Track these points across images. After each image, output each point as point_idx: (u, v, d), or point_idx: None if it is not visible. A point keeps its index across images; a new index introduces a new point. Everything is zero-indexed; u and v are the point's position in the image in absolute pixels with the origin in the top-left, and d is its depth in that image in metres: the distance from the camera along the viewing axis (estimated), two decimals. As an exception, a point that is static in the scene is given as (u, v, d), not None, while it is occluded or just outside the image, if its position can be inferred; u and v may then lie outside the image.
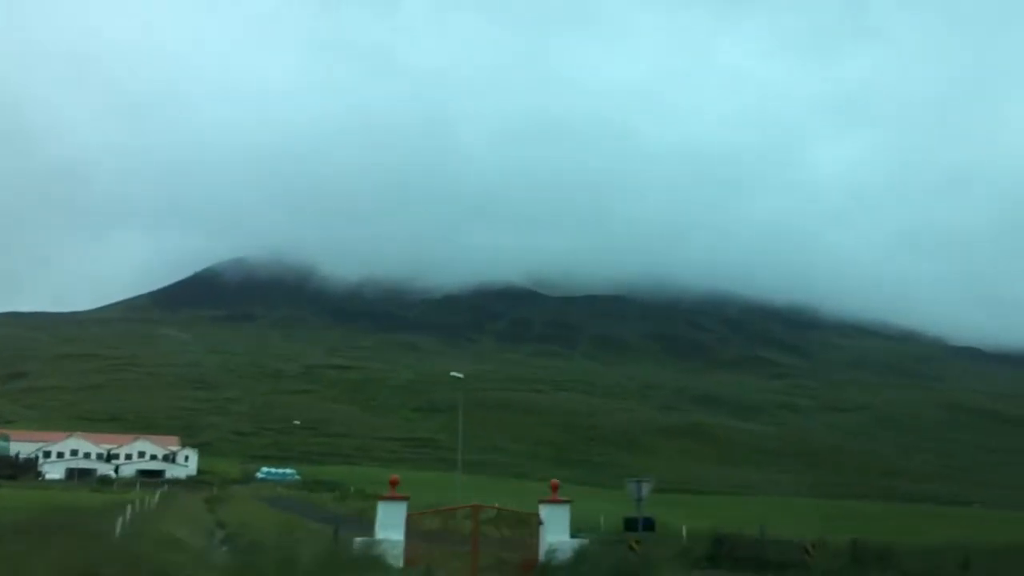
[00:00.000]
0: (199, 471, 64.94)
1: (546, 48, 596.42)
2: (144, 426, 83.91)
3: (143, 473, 61.71)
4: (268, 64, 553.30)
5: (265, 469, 66.41)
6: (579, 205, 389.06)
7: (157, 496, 34.01)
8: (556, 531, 14.87)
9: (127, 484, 51.14)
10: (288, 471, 65.71)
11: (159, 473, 62.05)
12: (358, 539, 14.12)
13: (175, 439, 65.61)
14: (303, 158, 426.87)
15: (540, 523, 14.79)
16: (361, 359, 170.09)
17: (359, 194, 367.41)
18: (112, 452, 65.64)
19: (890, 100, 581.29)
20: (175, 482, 54.83)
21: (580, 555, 14.49)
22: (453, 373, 58.07)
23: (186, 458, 63.23)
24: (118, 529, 14.56)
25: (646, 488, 17.75)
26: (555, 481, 16.00)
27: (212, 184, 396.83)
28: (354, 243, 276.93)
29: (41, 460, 63.72)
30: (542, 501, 15.21)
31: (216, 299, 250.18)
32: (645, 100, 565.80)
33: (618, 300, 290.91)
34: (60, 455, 64.88)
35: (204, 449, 78.55)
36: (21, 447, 65.11)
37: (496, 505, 17.43)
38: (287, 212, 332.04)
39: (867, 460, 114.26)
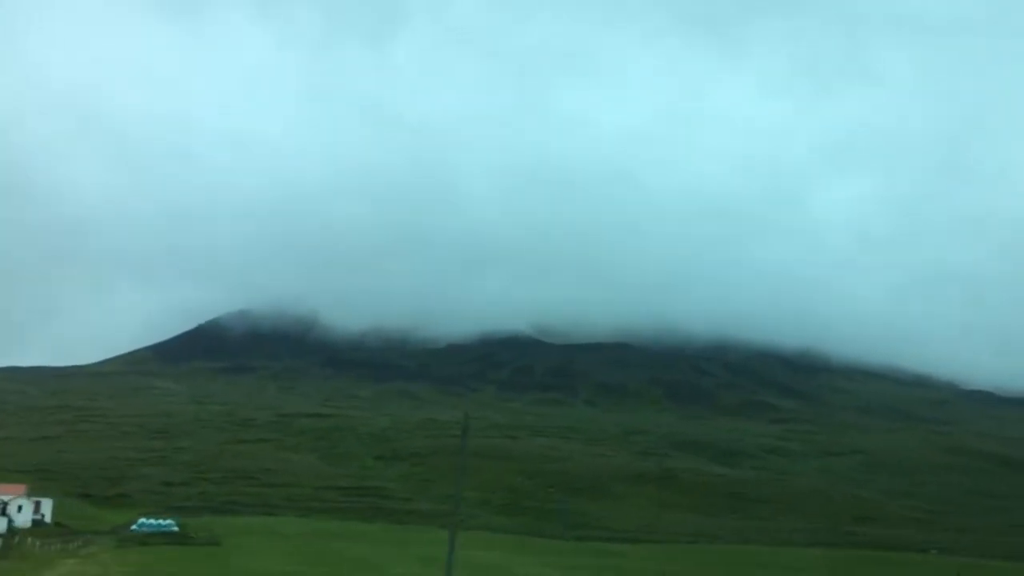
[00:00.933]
0: (57, 523, 61.91)
1: (543, 95, 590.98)
2: (65, 477, 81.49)
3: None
4: (264, 116, 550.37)
5: (142, 520, 63.37)
6: (583, 253, 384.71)
7: None
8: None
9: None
10: (167, 522, 62.56)
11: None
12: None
13: (22, 487, 62.63)
14: (304, 209, 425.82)
15: None
16: (346, 408, 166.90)
17: (362, 245, 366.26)
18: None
19: (892, 142, 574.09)
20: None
21: None
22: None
23: (19, 508, 60.06)
24: None
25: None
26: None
27: (216, 237, 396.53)
28: (357, 294, 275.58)
29: None
30: None
31: (218, 351, 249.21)
32: (645, 146, 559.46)
33: (623, 347, 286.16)
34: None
35: (116, 500, 75.80)
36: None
37: None
38: (291, 264, 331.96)
39: (846, 505, 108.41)
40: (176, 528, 60.88)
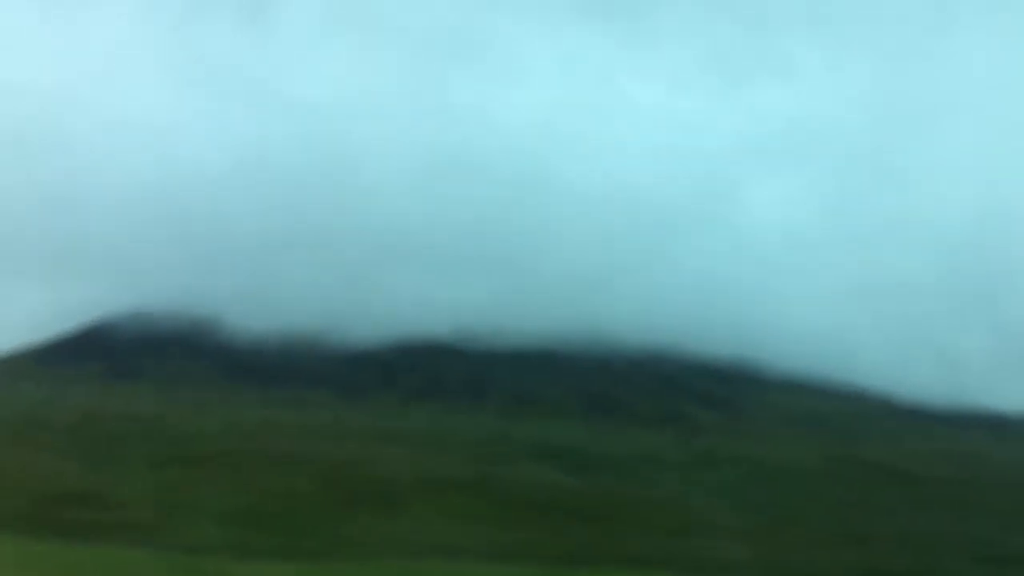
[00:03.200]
0: None
1: (438, 81, 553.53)
2: None
3: None
4: (138, 96, 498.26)
5: None
6: (503, 251, 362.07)
7: None
8: None
9: None
10: None
11: None
12: None
13: None
14: (196, 198, 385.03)
15: None
16: (187, 412, 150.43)
17: (262, 240, 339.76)
18: None
19: (818, 140, 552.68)
20: None
21: None
22: None
23: None
24: None
25: None
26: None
27: (102, 228, 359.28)
28: (261, 294, 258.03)
29: None
30: None
31: (107, 354, 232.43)
32: (554, 139, 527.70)
33: (546, 356, 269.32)
34: None
35: None
36: None
37: None
38: (188, 259, 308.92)
39: (664, 519, 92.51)
40: None
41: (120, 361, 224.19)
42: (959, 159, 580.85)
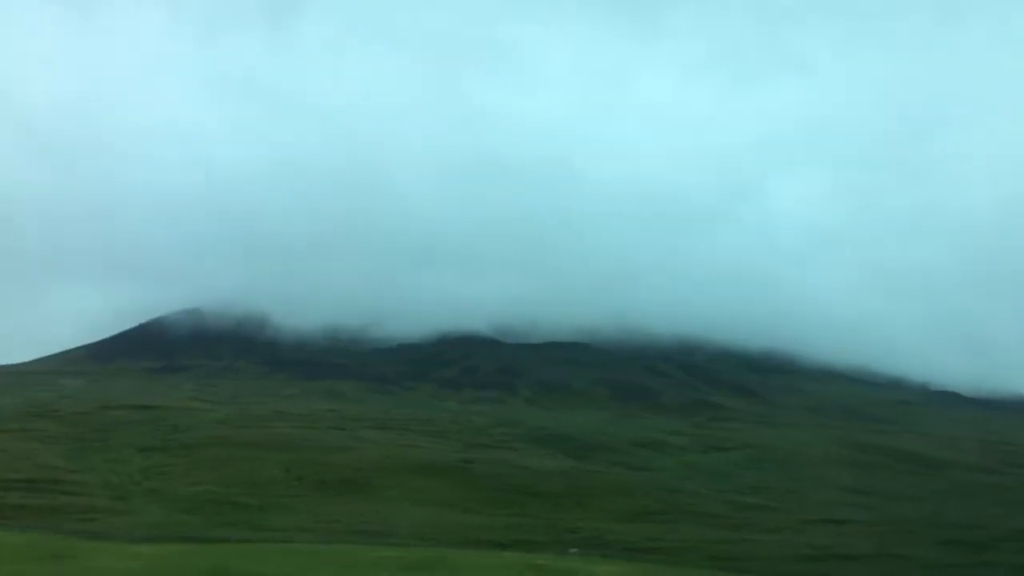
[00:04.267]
0: None
1: (456, 85, 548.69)
2: None
3: None
4: (169, 106, 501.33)
5: None
6: (536, 248, 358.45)
7: None
8: None
9: None
10: None
11: None
12: None
13: None
14: (237, 204, 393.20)
15: None
16: (206, 402, 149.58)
17: (304, 242, 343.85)
18: None
19: (840, 133, 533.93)
20: None
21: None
22: None
23: None
24: None
25: None
26: None
27: (152, 234, 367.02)
28: (307, 293, 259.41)
29: None
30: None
31: (158, 350, 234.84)
32: (575, 136, 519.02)
33: (579, 347, 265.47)
34: None
35: None
36: None
37: None
38: (238, 262, 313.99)
39: (638, 501, 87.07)
40: None
41: (171, 356, 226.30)
42: (982, 149, 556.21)
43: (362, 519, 69.47)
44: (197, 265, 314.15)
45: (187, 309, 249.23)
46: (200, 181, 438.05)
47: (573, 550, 53.77)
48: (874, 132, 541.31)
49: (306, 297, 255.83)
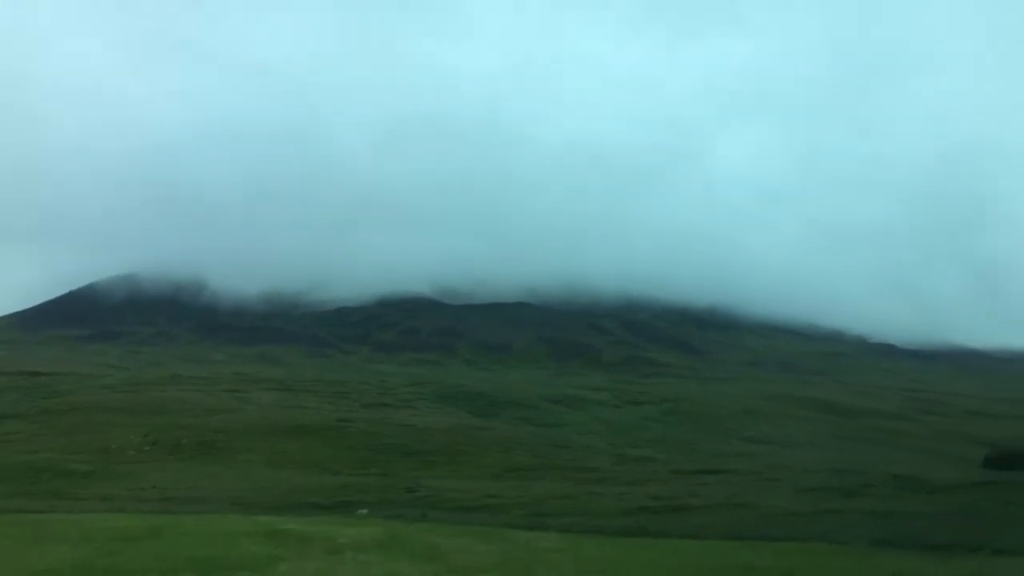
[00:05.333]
0: None
1: (390, 39, 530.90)
2: None
3: None
4: (93, 64, 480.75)
5: None
6: (478, 208, 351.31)
7: None
8: None
9: None
10: None
11: None
12: None
13: None
14: (171, 165, 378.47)
15: None
16: (123, 369, 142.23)
17: (242, 203, 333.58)
18: None
19: (781, 91, 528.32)
20: None
21: None
22: None
23: None
24: None
25: None
26: None
27: (86, 198, 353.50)
28: (246, 257, 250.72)
29: None
30: None
31: (90, 318, 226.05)
32: (515, 94, 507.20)
33: (523, 307, 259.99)
34: None
35: None
36: None
37: None
38: (173, 225, 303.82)
39: (515, 459, 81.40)
40: None
41: (103, 323, 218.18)
42: (925, 105, 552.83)
43: (189, 485, 63.07)
44: (132, 230, 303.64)
45: (121, 275, 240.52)
46: (132, 144, 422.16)
47: (363, 511, 47.80)
48: (817, 87, 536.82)
49: (244, 261, 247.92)
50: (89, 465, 71.42)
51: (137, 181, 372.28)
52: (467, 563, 28.19)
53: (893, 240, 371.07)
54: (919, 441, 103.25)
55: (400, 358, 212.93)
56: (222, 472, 70.94)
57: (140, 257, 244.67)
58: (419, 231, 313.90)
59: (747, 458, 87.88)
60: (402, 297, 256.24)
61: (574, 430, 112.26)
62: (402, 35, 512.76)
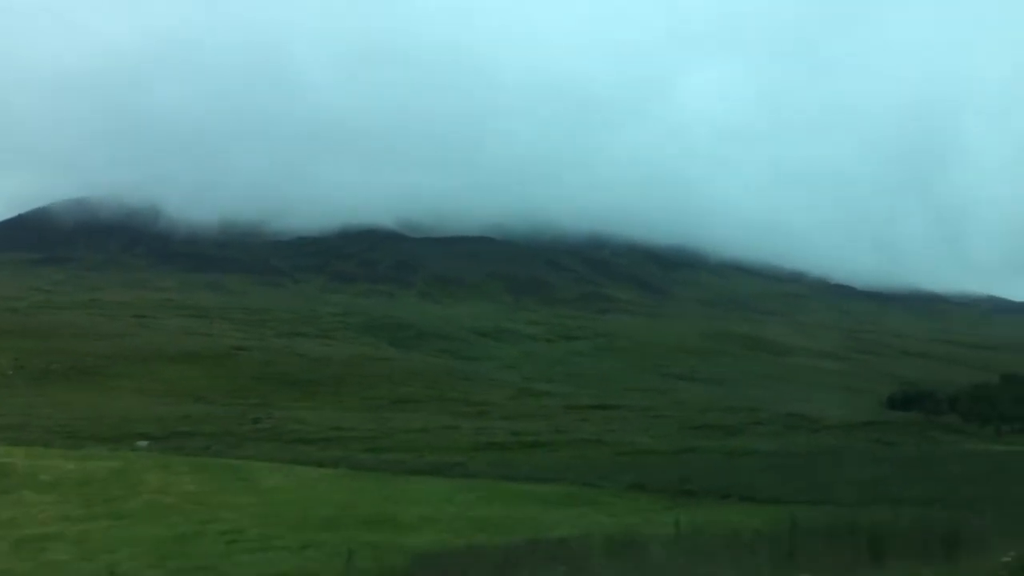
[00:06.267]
0: None
1: None
2: None
3: None
4: None
5: None
6: (445, 139, 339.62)
7: None
8: None
9: None
10: None
11: None
12: None
13: None
14: (126, 87, 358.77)
15: None
16: (44, 292, 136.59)
17: (200, 129, 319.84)
18: None
19: (752, 28, 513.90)
20: None
21: None
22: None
23: None
24: None
25: None
26: None
27: (44, 118, 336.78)
28: (205, 183, 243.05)
29: None
30: None
31: (41, 241, 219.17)
32: (484, 24, 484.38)
33: (486, 241, 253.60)
34: None
35: None
36: None
37: None
38: (132, 152, 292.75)
39: (402, 391, 76.98)
40: None
41: (54, 248, 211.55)
42: (891, 49, 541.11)
43: (22, 412, 58.36)
44: (86, 154, 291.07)
45: (74, 198, 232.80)
46: (89, 67, 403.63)
47: (142, 443, 43.31)
48: (784, 25, 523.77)
49: (202, 189, 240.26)
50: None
51: (93, 105, 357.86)
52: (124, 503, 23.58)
53: (857, 183, 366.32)
54: (843, 380, 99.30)
55: (354, 289, 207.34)
56: (75, 399, 66.19)
57: (94, 182, 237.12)
58: (383, 162, 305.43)
59: (654, 394, 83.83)
60: (363, 229, 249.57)
61: (495, 364, 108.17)
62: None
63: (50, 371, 74.47)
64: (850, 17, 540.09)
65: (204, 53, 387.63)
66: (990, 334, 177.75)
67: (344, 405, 69.99)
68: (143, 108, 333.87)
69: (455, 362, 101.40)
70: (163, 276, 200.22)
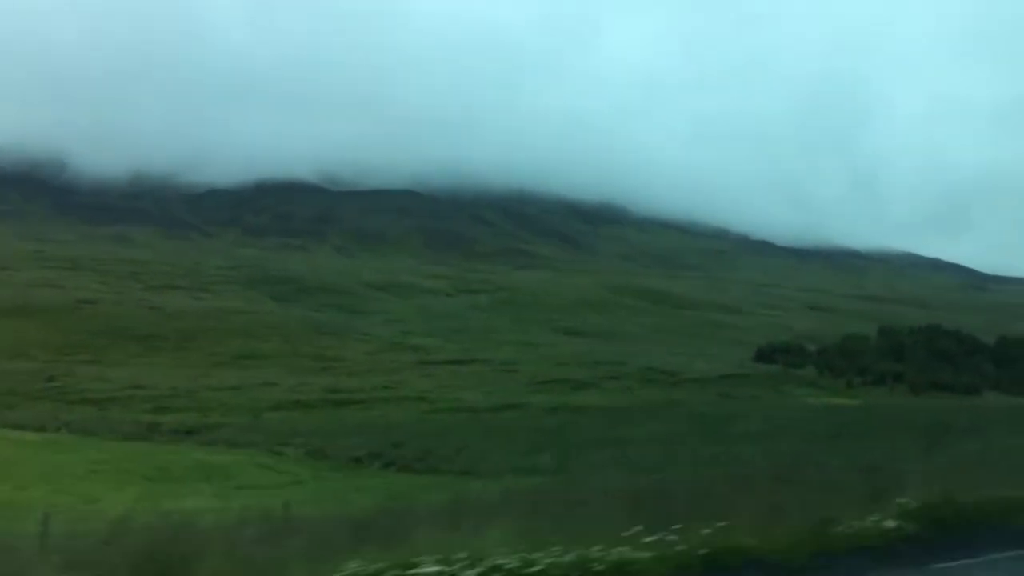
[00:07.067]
0: None
1: None
2: None
3: None
4: None
5: None
6: (367, 90, 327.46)
7: None
8: None
9: None
10: None
11: None
12: None
13: None
14: (38, 36, 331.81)
15: None
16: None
17: (111, 78, 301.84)
18: None
19: None
20: None
21: None
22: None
23: None
24: None
25: None
26: None
27: None
28: (115, 133, 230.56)
29: None
30: None
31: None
32: None
33: (409, 195, 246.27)
34: None
35: None
36: None
37: None
38: (34, 100, 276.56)
39: (242, 346, 71.33)
40: None
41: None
42: (813, 6, 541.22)
43: None
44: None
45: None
46: None
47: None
48: None
49: (111, 139, 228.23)
50: None
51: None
52: None
53: (777, 140, 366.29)
54: (736, 334, 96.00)
55: (266, 243, 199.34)
56: None
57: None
58: (303, 113, 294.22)
59: (526, 348, 79.30)
60: (281, 181, 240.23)
61: (381, 318, 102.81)
62: None
63: None
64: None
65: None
66: (902, 289, 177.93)
67: (182, 361, 64.26)
68: (49, 54, 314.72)
69: (337, 316, 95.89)
70: (64, 228, 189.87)
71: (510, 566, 6.11)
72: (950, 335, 74.95)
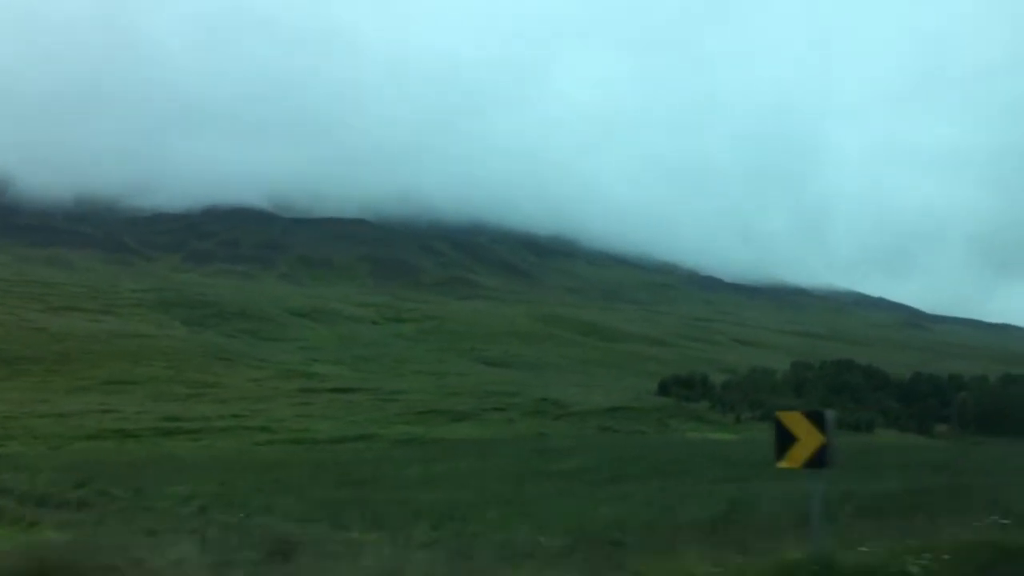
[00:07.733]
0: None
1: None
2: None
3: None
4: None
5: None
6: (320, 118, 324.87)
7: None
8: None
9: None
10: None
11: None
12: None
13: None
14: None
15: None
16: None
17: (58, 99, 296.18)
18: None
19: (626, 18, 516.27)
20: None
21: None
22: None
23: None
24: None
25: None
26: None
27: None
28: (60, 156, 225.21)
29: None
30: None
31: None
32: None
33: (359, 223, 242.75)
34: None
35: None
36: None
37: None
38: None
39: (115, 369, 67.08)
40: None
41: None
42: (761, 47, 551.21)
43: None
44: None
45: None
46: None
47: None
48: (662, 16, 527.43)
49: (58, 160, 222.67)
50: None
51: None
52: None
53: (726, 177, 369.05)
54: (652, 366, 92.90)
55: (209, 269, 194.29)
56: None
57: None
58: (254, 139, 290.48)
59: (427, 378, 75.69)
60: (230, 207, 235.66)
61: (296, 345, 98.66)
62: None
63: None
64: (723, 14, 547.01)
65: (58, 18, 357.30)
66: (842, 326, 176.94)
67: (44, 385, 59.89)
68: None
69: (246, 342, 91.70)
70: (1, 249, 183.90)
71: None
72: (858, 370, 72.64)
